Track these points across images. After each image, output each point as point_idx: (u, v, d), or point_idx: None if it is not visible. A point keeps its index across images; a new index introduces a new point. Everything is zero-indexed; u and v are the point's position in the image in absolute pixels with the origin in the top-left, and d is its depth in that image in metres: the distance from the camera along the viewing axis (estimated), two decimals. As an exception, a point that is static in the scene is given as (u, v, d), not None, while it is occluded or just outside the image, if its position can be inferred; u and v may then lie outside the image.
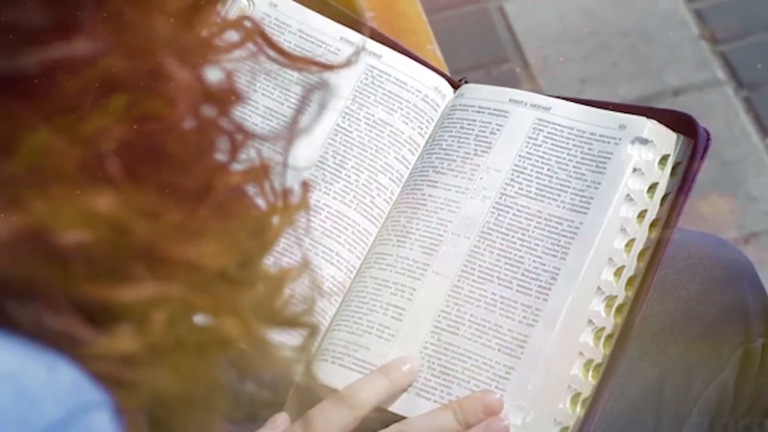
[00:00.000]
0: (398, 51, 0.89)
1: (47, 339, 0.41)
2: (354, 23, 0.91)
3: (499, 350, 0.76)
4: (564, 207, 0.79)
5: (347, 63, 0.59)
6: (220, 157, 0.47)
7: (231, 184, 0.48)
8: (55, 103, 0.43)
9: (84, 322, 0.42)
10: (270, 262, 0.50)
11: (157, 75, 0.44)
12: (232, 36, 0.50)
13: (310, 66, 0.55)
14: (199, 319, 0.44)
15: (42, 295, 0.41)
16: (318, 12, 0.91)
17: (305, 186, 0.53)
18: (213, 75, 0.48)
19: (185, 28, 0.46)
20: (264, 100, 0.85)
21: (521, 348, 0.75)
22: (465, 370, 0.76)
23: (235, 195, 0.48)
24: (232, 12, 0.89)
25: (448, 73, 0.99)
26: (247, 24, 0.51)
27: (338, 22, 0.90)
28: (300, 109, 0.50)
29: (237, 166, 0.49)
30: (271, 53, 0.52)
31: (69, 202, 0.41)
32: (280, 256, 0.55)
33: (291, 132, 0.49)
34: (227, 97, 0.47)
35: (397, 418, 0.75)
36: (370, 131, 0.86)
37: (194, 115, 0.45)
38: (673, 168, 0.79)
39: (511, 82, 1.73)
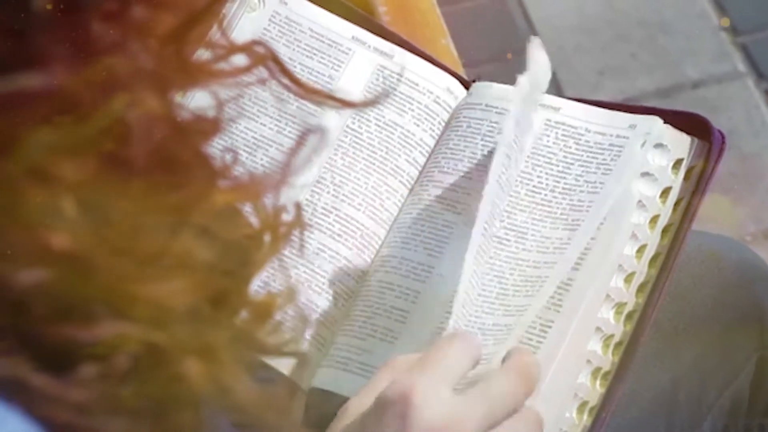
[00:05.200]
0: (410, 50, 0.88)
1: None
2: (366, 21, 0.89)
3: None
4: (572, 209, 0.77)
5: (368, 103, 0.56)
6: (199, 185, 0.46)
7: (217, 204, 0.46)
8: (10, 123, 0.41)
9: (39, 368, 0.40)
10: (259, 285, 0.48)
11: (128, 104, 0.42)
12: (240, 60, 0.48)
13: (327, 100, 0.52)
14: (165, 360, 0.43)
15: None
16: (329, 9, 0.89)
17: (298, 208, 0.51)
18: (203, 100, 0.46)
19: (172, 52, 0.44)
20: (255, 126, 0.84)
21: None
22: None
23: (218, 214, 0.46)
24: (241, 10, 0.88)
25: (462, 69, 0.97)
26: (260, 49, 0.49)
27: (349, 19, 0.89)
28: (294, 152, 0.48)
29: (226, 183, 0.47)
30: (283, 80, 0.49)
31: (25, 240, 0.40)
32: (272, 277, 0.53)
33: (284, 175, 0.47)
34: (206, 128, 0.46)
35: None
36: (381, 133, 0.84)
37: (161, 147, 0.44)
38: (687, 172, 0.78)
39: (529, 73, 1.71)
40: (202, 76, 0.46)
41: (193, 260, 0.43)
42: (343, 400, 0.76)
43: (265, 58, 0.49)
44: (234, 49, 0.49)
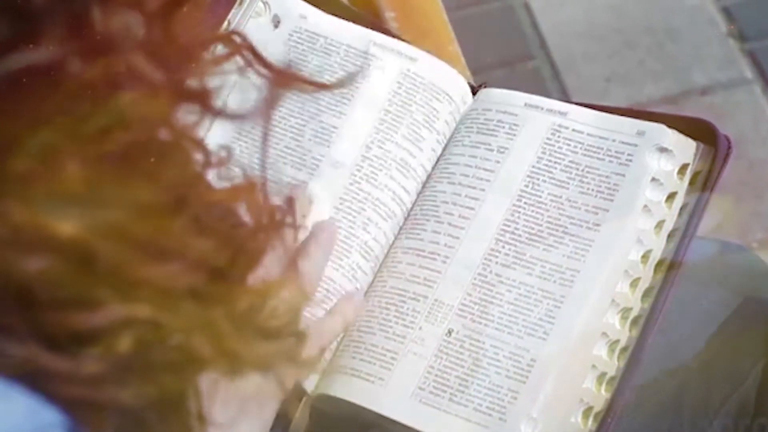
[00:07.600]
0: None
1: (8, 368, 0.40)
2: (373, 26, 0.89)
3: (511, 359, 0.75)
4: (579, 216, 0.77)
5: (341, 84, 0.57)
6: (196, 169, 0.46)
7: (213, 202, 0.47)
8: (14, 115, 0.41)
9: (48, 349, 0.41)
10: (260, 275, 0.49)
11: (128, 77, 0.43)
12: (220, 49, 0.49)
13: (299, 83, 0.53)
14: (171, 338, 0.43)
15: (2, 324, 0.41)
16: (335, 13, 0.90)
17: (291, 202, 0.52)
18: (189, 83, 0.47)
19: (163, 31, 0.45)
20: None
21: (533, 360, 0.74)
22: (477, 384, 0.75)
23: (214, 210, 0.47)
24: (247, 15, 0.88)
25: (469, 75, 0.97)
26: (237, 39, 0.50)
27: (356, 23, 0.89)
28: (273, 95, 0.49)
29: (221, 184, 0.48)
30: (260, 68, 0.51)
31: (29, 227, 0.40)
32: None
33: (267, 110, 0.48)
34: (203, 95, 0.46)
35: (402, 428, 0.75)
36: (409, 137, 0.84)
37: (168, 118, 0.44)
38: (693, 176, 0.78)
39: (536, 80, 1.71)
40: (193, 62, 0.46)
41: (189, 243, 0.44)
42: (350, 406, 0.76)
43: (241, 47, 0.51)
44: (212, 38, 0.50)
